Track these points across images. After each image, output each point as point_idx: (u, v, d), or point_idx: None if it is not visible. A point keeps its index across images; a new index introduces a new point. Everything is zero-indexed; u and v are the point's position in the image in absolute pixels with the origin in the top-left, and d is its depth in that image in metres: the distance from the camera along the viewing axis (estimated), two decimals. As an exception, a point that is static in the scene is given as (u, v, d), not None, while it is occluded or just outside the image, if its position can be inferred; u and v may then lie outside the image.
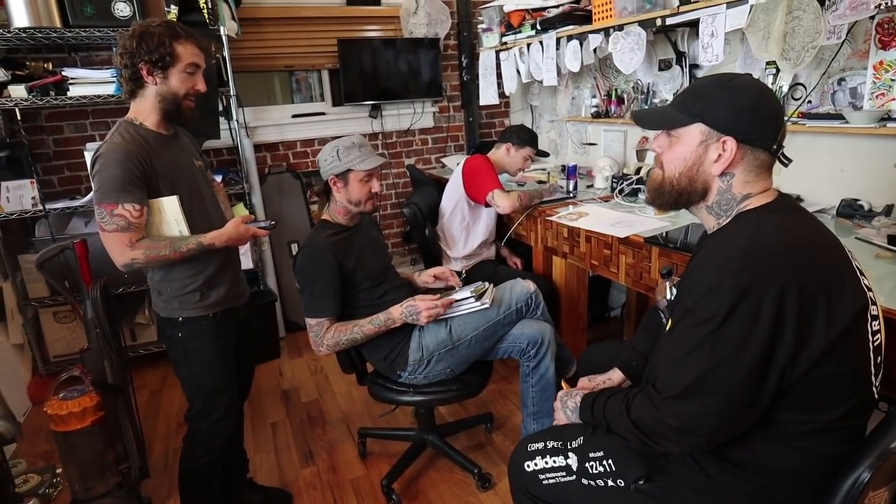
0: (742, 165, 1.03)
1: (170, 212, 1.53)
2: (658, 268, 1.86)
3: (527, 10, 2.93)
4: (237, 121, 2.97)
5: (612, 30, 2.40)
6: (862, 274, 1.03)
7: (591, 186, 2.79)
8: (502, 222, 2.74)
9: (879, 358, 1.03)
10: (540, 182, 2.94)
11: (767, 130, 1.02)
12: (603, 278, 2.96)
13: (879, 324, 1.03)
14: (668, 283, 1.35)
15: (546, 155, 2.83)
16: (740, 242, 0.97)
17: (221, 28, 2.79)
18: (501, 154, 2.62)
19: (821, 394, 0.96)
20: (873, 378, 1.02)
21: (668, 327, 1.15)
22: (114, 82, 2.70)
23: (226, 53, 2.83)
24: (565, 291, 2.46)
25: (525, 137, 2.59)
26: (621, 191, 2.49)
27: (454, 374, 1.89)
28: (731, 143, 1.01)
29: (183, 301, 1.59)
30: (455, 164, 3.49)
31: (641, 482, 1.14)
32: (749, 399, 0.95)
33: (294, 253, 3.32)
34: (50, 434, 1.72)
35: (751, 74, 1.17)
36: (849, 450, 1.00)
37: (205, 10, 2.73)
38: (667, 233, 1.92)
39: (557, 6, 2.70)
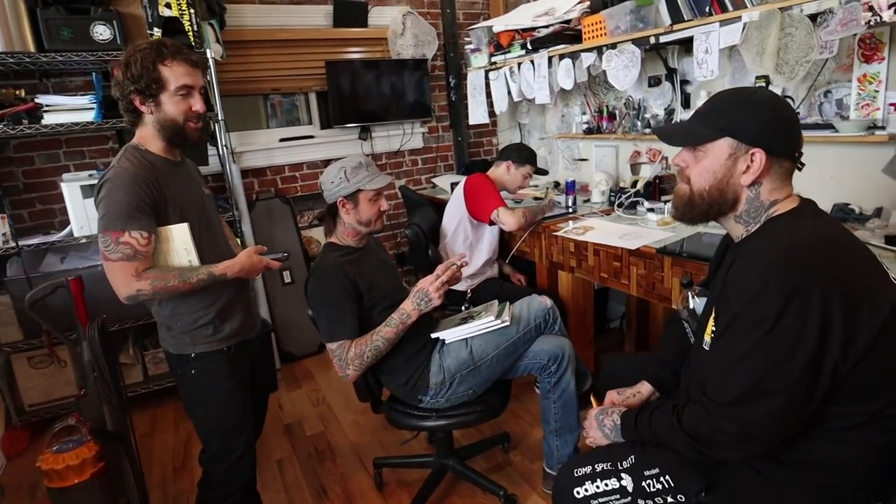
0: (769, 174, 1.07)
1: (179, 240, 1.47)
2: (671, 277, 1.88)
3: (516, 31, 2.97)
4: (225, 146, 2.90)
5: (605, 48, 2.45)
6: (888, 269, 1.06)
7: (587, 201, 2.82)
8: (503, 240, 2.73)
9: None
10: (536, 199, 2.95)
11: (790, 140, 1.07)
12: (600, 291, 2.98)
13: None
14: (689, 293, 1.35)
15: (545, 173, 2.85)
16: (781, 246, 1.00)
17: (208, 51, 2.73)
18: (501, 172, 2.63)
19: (868, 385, 0.99)
20: None
21: (708, 333, 1.15)
22: (92, 108, 2.60)
23: (212, 77, 2.77)
24: (572, 305, 2.46)
25: (525, 155, 2.61)
26: (620, 204, 2.52)
27: (476, 395, 1.85)
28: (759, 155, 1.04)
29: (195, 335, 1.52)
30: (446, 184, 3.51)
31: (703, 495, 1.13)
32: (805, 397, 0.97)
33: (287, 281, 3.27)
34: (32, 490, 1.59)
35: (765, 88, 1.20)
36: (894, 438, 1.02)
37: (190, 33, 2.68)
38: (683, 241, 1.95)
39: (547, 26, 2.75)
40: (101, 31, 2.47)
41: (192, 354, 1.50)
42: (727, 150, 1.06)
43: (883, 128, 1.85)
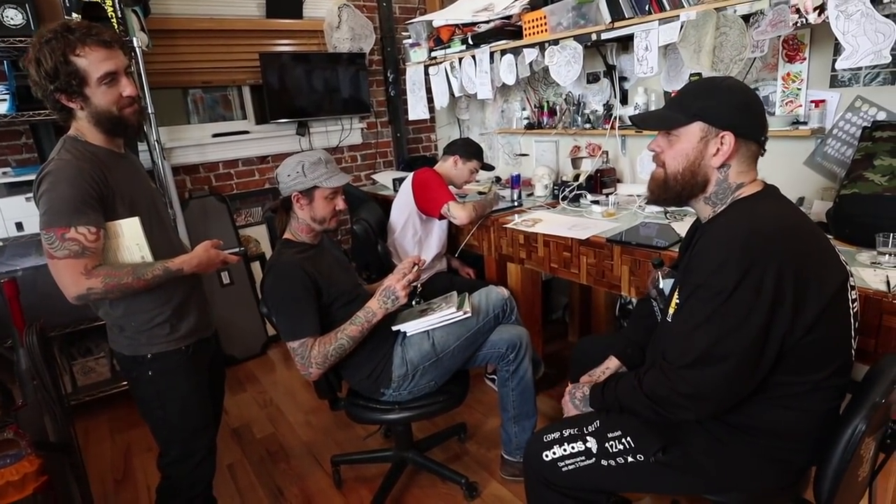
0: (737, 157, 1.15)
1: (130, 235, 1.38)
2: (621, 265, 1.97)
3: (456, 26, 2.99)
4: (156, 141, 2.74)
5: (547, 44, 2.53)
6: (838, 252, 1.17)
7: (531, 195, 2.89)
8: (451, 234, 2.76)
9: (857, 323, 1.18)
10: (481, 193, 3.00)
11: (757, 123, 1.16)
12: (544, 283, 3.07)
13: (856, 293, 1.18)
14: (658, 274, 1.44)
15: (491, 168, 2.89)
16: (743, 226, 1.08)
17: (134, 39, 2.57)
18: (449, 167, 2.64)
19: (813, 356, 1.09)
20: (853, 341, 1.16)
21: (672, 307, 1.23)
22: (4, 100, 2.39)
23: (140, 67, 2.60)
24: (522, 297, 2.52)
25: (472, 151, 2.64)
26: (565, 197, 2.61)
27: (438, 386, 1.87)
28: (729, 137, 1.12)
29: (151, 335, 1.43)
30: (388, 180, 3.48)
31: (661, 454, 1.21)
32: (754, 363, 1.06)
33: (226, 282, 3.13)
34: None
35: (733, 77, 1.29)
36: (835, 405, 1.15)
37: (113, 20, 2.51)
38: (629, 230, 2.04)
39: (488, 21, 2.79)
40: (13, 16, 2.27)
41: (149, 355, 1.42)
42: (699, 133, 1.14)
43: (805, 123, 2.03)
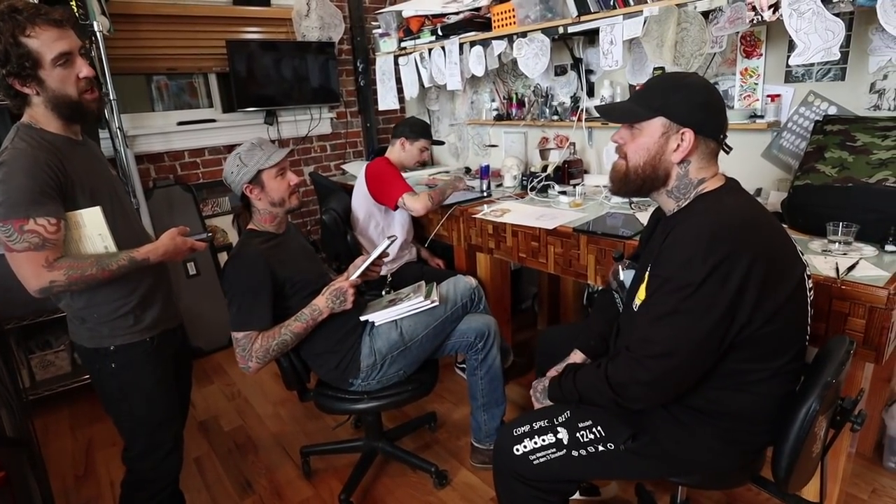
0: (697, 153, 1.18)
1: (92, 225, 1.35)
2: (587, 254, 2.01)
3: (426, 16, 2.99)
4: (118, 128, 2.67)
5: (515, 37, 2.55)
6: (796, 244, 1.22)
7: (500, 186, 2.92)
8: (420, 224, 2.76)
9: (812, 310, 1.24)
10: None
11: (717, 122, 1.19)
12: (513, 273, 3.11)
13: (812, 282, 1.23)
14: (619, 266, 1.48)
15: (441, 143, 2.89)
16: (709, 220, 1.11)
17: (95, 23, 2.49)
18: (397, 151, 2.61)
19: (773, 344, 1.13)
20: (808, 328, 1.22)
21: (638, 298, 1.26)
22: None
23: (101, 52, 2.53)
24: (491, 287, 2.55)
25: (418, 129, 2.60)
26: (533, 188, 2.64)
27: (407, 375, 1.88)
28: (689, 134, 1.15)
29: (114, 326, 1.41)
30: (356, 170, 3.47)
31: (630, 441, 1.25)
32: (709, 353, 1.10)
33: (192, 273, 3.08)
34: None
35: (697, 74, 1.33)
36: (792, 389, 1.19)
37: (73, 2, 2.43)
38: (595, 220, 2.09)
39: (457, 13, 2.80)
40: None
41: (112, 347, 1.40)
42: (660, 128, 1.16)
43: (762, 117, 2.10)
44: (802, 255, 1.20)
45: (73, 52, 1.27)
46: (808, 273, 1.20)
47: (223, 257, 3.28)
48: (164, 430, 1.49)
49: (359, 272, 1.80)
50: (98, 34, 2.51)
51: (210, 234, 1.55)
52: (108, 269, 1.30)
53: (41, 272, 1.24)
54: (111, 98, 2.61)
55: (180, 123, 3.20)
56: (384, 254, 1.85)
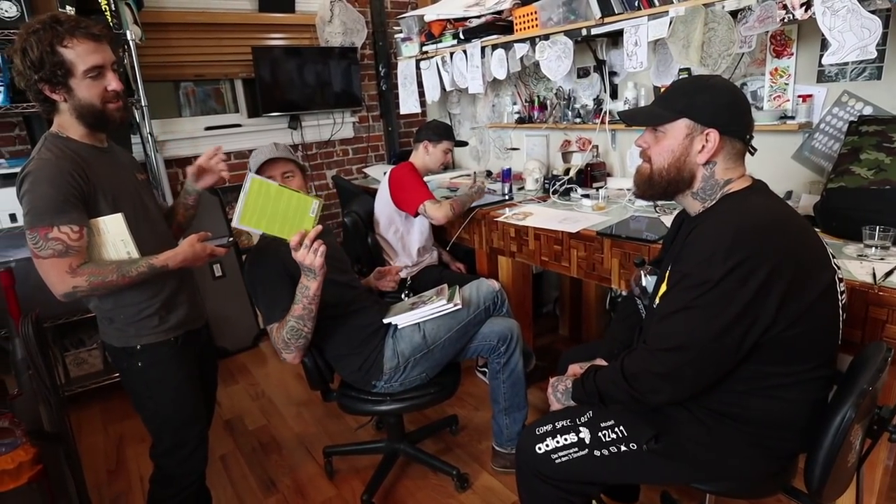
0: (722, 154, 1.16)
1: (115, 232, 1.38)
2: (611, 258, 1.99)
3: (448, 20, 3.00)
4: (149, 133, 2.73)
5: (538, 39, 2.54)
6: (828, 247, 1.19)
7: (521, 189, 2.91)
8: (442, 228, 2.77)
9: (845, 315, 1.20)
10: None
11: (742, 123, 1.17)
12: (535, 277, 3.09)
13: (844, 286, 1.20)
14: (642, 272, 1.45)
15: (464, 144, 2.87)
16: (734, 219, 1.10)
17: (128, 33, 2.56)
18: (421, 154, 2.62)
19: (799, 348, 1.10)
20: (840, 334, 1.19)
21: (659, 295, 1.25)
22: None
23: (133, 60, 2.60)
24: (512, 290, 2.54)
25: (440, 131, 2.60)
26: (555, 191, 2.62)
27: (429, 378, 1.88)
28: (714, 135, 1.14)
29: (140, 327, 1.44)
30: (379, 173, 3.49)
31: (654, 442, 1.23)
32: (727, 351, 1.08)
33: (218, 275, 3.14)
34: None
35: (720, 76, 1.31)
36: (822, 396, 1.16)
37: (107, 13, 2.50)
38: (619, 224, 2.06)
39: (479, 16, 2.80)
40: (7, 8, 2.27)
41: (138, 346, 1.43)
42: (684, 130, 1.15)
43: (793, 117, 2.05)
44: (834, 258, 1.17)
45: (106, 65, 1.32)
46: (840, 277, 1.17)
47: (249, 260, 3.33)
48: (189, 428, 1.51)
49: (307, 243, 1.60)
50: (131, 43, 2.58)
51: (231, 240, 1.57)
52: (127, 276, 1.33)
53: (65, 278, 1.28)
54: (143, 104, 2.68)
55: (207, 128, 3.26)
56: (398, 268, 1.85)
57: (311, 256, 1.53)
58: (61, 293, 1.30)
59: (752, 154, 1.22)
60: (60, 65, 1.25)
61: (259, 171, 1.66)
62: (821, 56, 1.98)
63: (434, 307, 1.85)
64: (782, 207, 1.17)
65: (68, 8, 2.35)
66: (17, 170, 2.30)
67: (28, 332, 1.49)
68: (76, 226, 1.28)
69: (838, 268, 1.17)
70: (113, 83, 1.33)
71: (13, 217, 2.33)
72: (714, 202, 1.19)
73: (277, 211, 1.51)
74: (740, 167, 1.19)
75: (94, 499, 2.05)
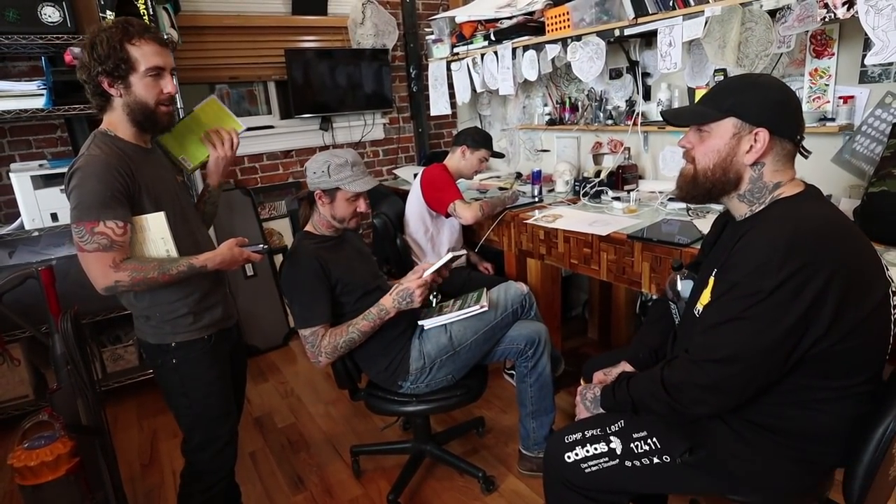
0: (771, 155, 1.11)
1: (156, 230, 1.42)
2: (641, 261, 1.96)
3: (479, 22, 3.00)
4: (184, 135, 2.80)
5: (569, 40, 2.52)
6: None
7: (552, 191, 2.89)
8: (471, 229, 2.77)
9: (895, 329, 1.14)
10: (502, 189, 3.00)
11: (793, 122, 1.12)
12: (564, 280, 3.06)
13: None
14: (678, 276, 1.42)
15: (501, 156, 2.87)
16: (788, 226, 1.04)
17: (165, 36, 2.63)
18: (457, 158, 2.63)
19: (847, 363, 1.06)
20: (889, 348, 1.13)
21: (701, 302, 1.21)
22: (41, 95, 2.47)
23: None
24: (541, 293, 2.53)
25: (480, 139, 2.61)
26: (586, 193, 2.60)
27: (455, 380, 1.88)
28: (763, 134, 1.09)
29: (175, 325, 1.48)
30: (409, 175, 3.51)
31: (688, 455, 1.20)
32: (774, 364, 1.04)
33: (249, 274, 3.20)
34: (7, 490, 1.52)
35: (769, 74, 1.26)
36: (867, 410, 1.11)
37: (145, 17, 2.57)
38: (650, 227, 2.03)
39: (511, 17, 2.79)
40: (50, 13, 2.35)
41: (173, 344, 1.47)
42: (731, 129, 1.11)
43: (833, 119, 1.99)
44: (887, 269, 1.13)
45: (166, 69, 1.39)
46: (894, 290, 1.12)
47: (279, 259, 3.38)
48: (220, 424, 1.55)
49: (428, 273, 1.79)
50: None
51: (266, 247, 1.60)
52: (168, 274, 1.37)
53: (108, 272, 1.31)
54: (179, 107, 2.75)
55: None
56: (448, 264, 1.86)
57: (418, 293, 1.71)
58: (103, 287, 1.33)
59: (806, 157, 1.17)
60: (125, 60, 1.32)
61: (342, 189, 1.76)
62: (863, 56, 1.91)
63: (462, 311, 1.85)
64: (838, 215, 1.12)
65: (108, 13, 2.43)
66: (60, 170, 2.43)
67: (67, 328, 1.54)
68: (121, 221, 1.32)
69: (892, 280, 1.13)
70: (169, 86, 1.39)
71: (55, 216, 2.42)
72: (764, 206, 1.14)
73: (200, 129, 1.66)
74: (790, 169, 1.14)
75: (128, 491, 2.11)
